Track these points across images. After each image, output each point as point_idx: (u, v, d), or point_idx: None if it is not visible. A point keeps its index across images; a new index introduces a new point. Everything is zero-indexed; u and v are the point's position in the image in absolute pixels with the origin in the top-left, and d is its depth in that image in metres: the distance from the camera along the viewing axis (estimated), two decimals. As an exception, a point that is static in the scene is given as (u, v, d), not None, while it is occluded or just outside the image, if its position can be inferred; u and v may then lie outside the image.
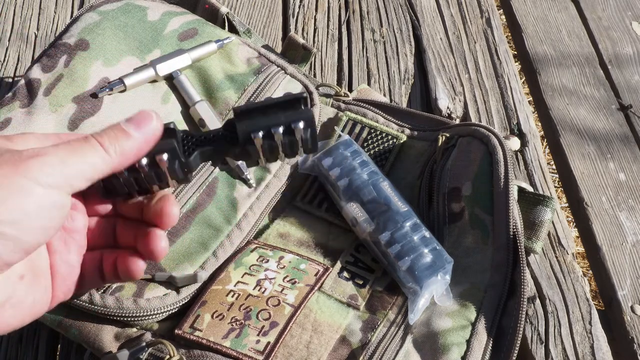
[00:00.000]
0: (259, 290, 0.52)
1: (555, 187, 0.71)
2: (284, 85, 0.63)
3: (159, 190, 0.43)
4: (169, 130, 0.41)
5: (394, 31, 0.86)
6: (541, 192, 0.68)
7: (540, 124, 0.82)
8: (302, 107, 0.42)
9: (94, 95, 0.56)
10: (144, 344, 0.48)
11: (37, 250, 0.39)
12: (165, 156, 0.40)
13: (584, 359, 0.54)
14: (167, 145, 0.41)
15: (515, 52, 0.91)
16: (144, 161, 0.40)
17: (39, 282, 0.40)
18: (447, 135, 0.61)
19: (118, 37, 0.59)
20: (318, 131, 0.63)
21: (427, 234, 0.55)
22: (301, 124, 0.41)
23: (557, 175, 0.77)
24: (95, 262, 0.42)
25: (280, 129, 0.41)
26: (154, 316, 0.50)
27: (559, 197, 0.92)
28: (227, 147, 0.42)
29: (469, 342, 0.50)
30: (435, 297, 0.53)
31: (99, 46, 0.58)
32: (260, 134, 0.41)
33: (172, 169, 0.41)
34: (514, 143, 0.72)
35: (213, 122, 0.59)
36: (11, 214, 0.34)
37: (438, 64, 0.81)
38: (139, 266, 0.42)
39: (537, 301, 0.58)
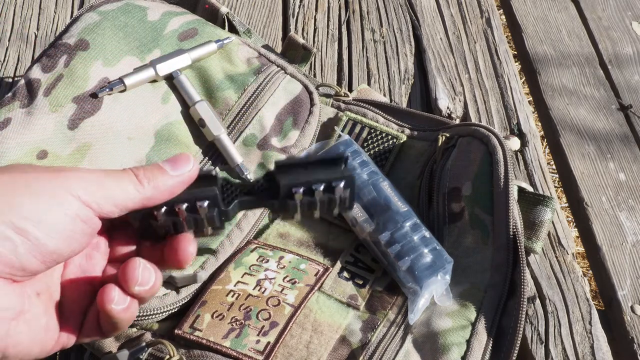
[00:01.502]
0: (259, 290, 0.52)
1: (555, 187, 0.71)
2: (284, 85, 0.63)
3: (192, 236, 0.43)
4: (210, 177, 0.41)
5: (394, 31, 0.86)
6: (541, 192, 0.68)
7: (540, 124, 0.82)
8: (343, 167, 0.42)
9: (94, 95, 0.56)
10: (143, 344, 0.48)
11: (52, 279, 0.39)
12: (205, 203, 0.41)
13: (584, 359, 0.54)
14: (209, 192, 0.41)
15: (515, 52, 0.91)
16: (184, 206, 0.40)
17: (53, 308, 0.39)
18: (447, 135, 0.61)
19: (118, 37, 0.59)
20: (318, 132, 0.63)
21: (427, 234, 0.55)
22: (342, 184, 0.42)
23: (557, 175, 0.77)
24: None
25: (321, 187, 0.42)
26: (153, 316, 0.50)
27: (559, 197, 0.92)
28: (266, 200, 0.43)
29: (469, 342, 0.50)
30: (435, 297, 0.53)
31: (99, 46, 0.58)
32: (302, 189, 0.42)
33: (211, 216, 0.41)
34: (514, 143, 0.72)
35: (213, 122, 0.59)
36: (38, 214, 0.35)
37: (438, 64, 0.81)
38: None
39: (537, 301, 0.58)
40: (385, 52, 0.83)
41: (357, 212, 0.57)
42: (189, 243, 0.41)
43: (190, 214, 0.41)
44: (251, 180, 0.44)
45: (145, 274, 0.38)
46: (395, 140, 0.64)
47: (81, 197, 0.36)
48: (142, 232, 0.42)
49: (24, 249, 0.35)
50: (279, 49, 0.78)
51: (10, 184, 0.36)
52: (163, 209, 0.41)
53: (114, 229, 0.43)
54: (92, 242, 0.42)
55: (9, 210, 0.34)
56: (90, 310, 0.40)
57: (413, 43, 0.85)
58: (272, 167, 0.59)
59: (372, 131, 0.64)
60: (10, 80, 0.76)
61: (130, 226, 0.43)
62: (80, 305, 0.40)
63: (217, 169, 0.42)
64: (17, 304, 0.36)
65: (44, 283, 0.39)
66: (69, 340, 0.40)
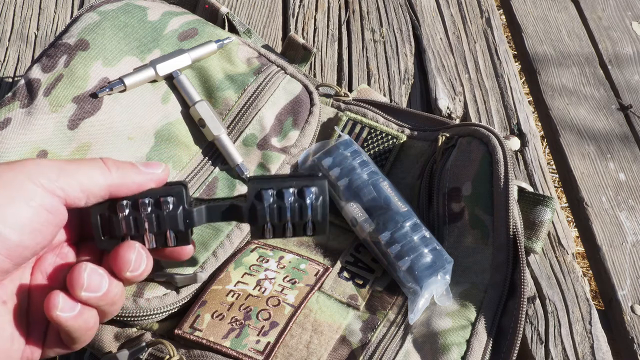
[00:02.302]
0: (259, 290, 0.52)
1: (555, 187, 0.71)
2: (283, 85, 0.63)
3: (152, 248, 0.41)
4: (180, 183, 0.41)
5: (394, 31, 0.86)
6: (541, 192, 0.68)
7: (540, 124, 0.82)
8: (317, 179, 0.43)
9: (94, 95, 0.56)
10: (143, 344, 0.48)
11: (19, 287, 0.38)
12: (170, 199, 0.40)
13: (584, 359, 0.54)
14: (174, 190, 0.41)
15: (515, 52, 0.91)
16: (147, 200, 0.40)
17: (19, 317, 0.38)
18: (447, 135, 0.61)
19: (118, 37, 0.59)
20: (318, 132, 0.63)
21: (427, 234, 0.55)
22: (313, 189, 0.42)
23: (557, 175, 0.77)
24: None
25: (291, 190, 0.42)
26: (153, 316, 0.50)
27: (559, 197, 0.92)
28: (236, 206, 0.42)
29: (469, 342, 0.50)
30: (435, 297, 0.53)
31: (99, 46, 0.58)
32: (270, 191, 0.41)
33: (174, 215, 0.40)
34: (514, 143, 0.72)
35: (213, 122, 0.59)
36: (0, 208, 0.33)
37: (438, 64, 0.81)
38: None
39: (537, 301, 0.58)
40: (385, 52, 0.83)
41: (357, 212, 0.57)
42: (131, 250, 0.39)
43: (153, 209, 0.40)
44: (228, 197, 0.43)
45: (93, 278, 0.37)
46: (395, 140, 0.64)
47: (44, 184, 0.35)
48: (101, 231, 0.40)
49: None
50: (279, 49, 0.78)
51: None
52: (125, 202, 0.40)
53: (82, 241, 0.42)
54: (62, 252, 0.41)
55: None
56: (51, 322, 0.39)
57: (413, 43, 0.85)
58: (272, 166, 0.60)
59: (372, 131, 0.64)
60: (10, 80, 0.76)
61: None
62: (44, 316, 0.38)
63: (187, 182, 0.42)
64: None
65: (9, 291, 0.37)
66: (33, 354, 0.39)
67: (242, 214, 0.42)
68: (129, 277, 0.39)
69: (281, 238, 0.44)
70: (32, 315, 0.39)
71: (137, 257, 0.38)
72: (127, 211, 0.40)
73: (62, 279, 0.39)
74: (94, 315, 0.38)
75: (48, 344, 0.39)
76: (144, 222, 0.40)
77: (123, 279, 0.39)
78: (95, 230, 0.40)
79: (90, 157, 0.54)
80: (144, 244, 0.41)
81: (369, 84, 0.79)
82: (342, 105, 0.66)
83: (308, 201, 0.42)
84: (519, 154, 0.72)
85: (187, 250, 0.44)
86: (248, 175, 0.58)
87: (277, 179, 0.42)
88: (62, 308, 0.36)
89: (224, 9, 0.70)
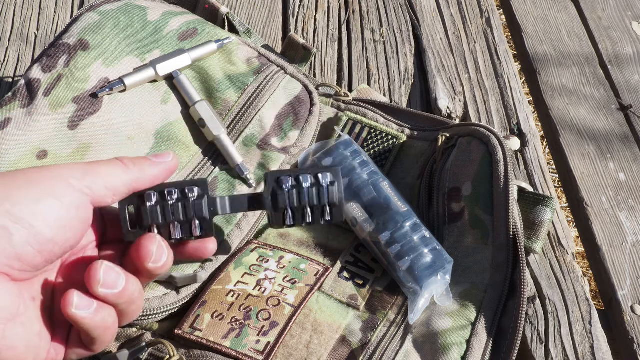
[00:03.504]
0: (259, 290, 0.52)
1: (555, 187, 0.71)
2: (283, 85, 0.63)
3: (179, 242, 0.44)
4: (202, 179, 0.44)
5: (394, 31, 0.86)
6: (541, 192, 0.68)
7: (540, 124, 0.82)
8: (331, 167, 0.46)
9: (94, 95, 0.56)
10: (143, 344, 0.48)
11: (46, 286, 0.39)
12: (195, 189, 0.42)
13: (584, 359, 0.54)
14: (199, 182, 0.43)
15: (515, 52, 0.91)
16: (173, 189, 0.42)
17: (46, 315, 0.39)
18: (447, 135, 0.61)
19: (118, 37, 0.59)
20: (318, 132, 0.63)
21: (427, 234, 0.55)
22: (328, 175, 0.45)
23: (557, 175, 0.77)
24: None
25: (309, 176, 0.45)
26: (153, 316, 0.50)
27: (559, 197, 0.93)
28: (256, 195, 0.45)
29: (469, 342, 0.50)
30: (435, 297, 0.53)
31: (99, 46, 0.58)
32: (289, 178, 0.44)
33: (200, 203, 0.42)
34: (514, 143, 0.72)
35: (213, 122, 0.59)
36: (33, 202, 0.35)
37: (438, 64, 0.81)
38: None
39: (537, 301, 0.58)
40: (385, 52, 0.83)
41: (357, 212, 0.57)
42: (152, 241, 0.40)
43: (179, 197, 0.42)
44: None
45: (109, 275, 0.37)
46: (395, 140, 0.64)
47: (73, 184, 0.37)
48: (129, 223, 0.42)
49: (20, 237, 0.34)
50: (279, 49, 0.78)
51: (10, 177, 0.36)
52: (153, 194, 0.41)
53: (104, 243, 0.44)
54: (85, 255, 0.42)
55: (6, 200, 0.35)
56: None
57: (413, 43, 0.85)
58: (272, 166, 0.60)
59: (372, 131, 0.64)
60: (10, 80, 0.76)
61: (118, 241, 0.44)
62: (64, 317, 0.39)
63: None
64: (14, 305, 0.36)
65: (38, 288, 0.38)
66: (57, 355, 0.39)
67: (263, 201, 0.45)
68: (151, 269, 0.40)
69: (300, 226, 0.46)
70: (56, 315, 0.40)
71: (158, 249, 0.40)
72: (154, 200, 0.42)
73: (82, 279, 0.40)
74: (112, 314, 0.39)
75: (70, 344, 0.40)
76: (170, 210, 0.42)
77: (144, 271, 0.40)
78: (123, 222, 0.42)
79: (91, 157, 0.54)
80: (169, 234, 0.42)
81: (369, 84, 0.79)
82: (342, 105, 0.66)
83: (324, 184, 0.45)
84: (519, 154, 0.72)
85: (211, 246, 0.46)
86: (248, 176, 0.58)
87: (293, 170, 0.46)
88: (78, 305, 0.37)
89: (224, 9, 0.70)
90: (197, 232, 0.44)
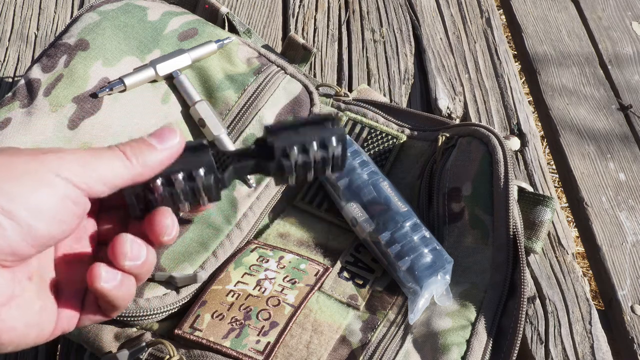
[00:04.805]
0: (259, 290, 0.52)
1: (555, 187, 0.71)
2: (283, 85, 0.63)
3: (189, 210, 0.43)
4: (201, 146, 0.42)
5: (394, 31, 0.86)
6: (541, 192, 0.68)
7: (540, 124, 0.82)
8: (333, 125, 0.43)
9: (94, 95, 0.56)
10: (143, 344, 0.48)
11: (44, 261, 0.39)
12: (202, 171, 0.41)
13: (584, 359, 0.54)
14: (204, 160, 0.41)
15: (515, 52, 0.91)
16: (181, 175, 0.41)
17: (48, 290, 0.39)
18: (447, 135, 0.61)
19: (118, 37, 0.59)
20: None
21: (427, 234, 0.55)
22: (334, 140, 0.43)
23: (557, 175, 0.77)
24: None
25: (315, 144, 0.42)
26: (153, 316, 0.50)
27: (559, 197, 0.93)
28: (261, 163, 0.43)
29: (469, 342, 0.50)
30: (435, 297, 0.53)
31: (99, 46, 0.58)
32: (296, 148, 0.42)
33: (208, 184, 0.41)
34: (514, 143, 0.72)
35: (213, 122, 0.59)
36: (26, 197, 0.34)
37: (438, 64, 0.81)
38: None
39: (537, 301, 0.58)
40: (385, 52, 0.83)
41: (357, 212, 0.57)
42: (166, 216, 0.40)
43: (187, 183, 0.41)
44: (250, 151, 0.44)
45: (134, 248, 0.38)
46: (395, 140, 0.64)
47: (68, 177, 0.36)
48: (135, 208, 0.42)
49: (14, 233, 0.34)
50: (279, 49, 0.78)
51: (3, 169, 0.35)
52: (159, 181, 0.41)
53: (101, 210, 0.43)
54: (82, 225, 0.42)
55: None
56: (89, 291, 0.40)
57: (413, 43, 0.85)
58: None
59: (372, 131, 0.64)
60: (10, 80, 0.76)
61: (117, 208, 0.43)
62: (77, 287, 0.40)
63: (207, 139, 0.43)
64: (7, 289, 0.36)
65: (35, 266, 0.38)
66: (69, 322, 0.40)
67: (269, 169, 0.43)
68: (165, 241, 0.40)
69: (305, 175, 0.44)
70: (64, 287, 0.40)
71: (172, 223, 0.40)
72: (161, 189, 0.41)
73: (90, 249, 0.41)
74: (133, 283, 0.40)
75: (86, 311, 0.40)
76: (179, 195, 0.41)
77: (158, 243, 0.40)
78: (131, 208, 0.41)
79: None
80: (178, 209, 0.42)
81: (369, 84, 0.79)
82: (342, 105, 0.66)
83: (330, 152, 0.43)
84: (519, 154, 0.72)
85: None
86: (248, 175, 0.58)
87: (295, 132, 0.43)
88: (106, 278, 0.37)
89: (224, 9, 0.70)
90: (205, 204, 0.43)
